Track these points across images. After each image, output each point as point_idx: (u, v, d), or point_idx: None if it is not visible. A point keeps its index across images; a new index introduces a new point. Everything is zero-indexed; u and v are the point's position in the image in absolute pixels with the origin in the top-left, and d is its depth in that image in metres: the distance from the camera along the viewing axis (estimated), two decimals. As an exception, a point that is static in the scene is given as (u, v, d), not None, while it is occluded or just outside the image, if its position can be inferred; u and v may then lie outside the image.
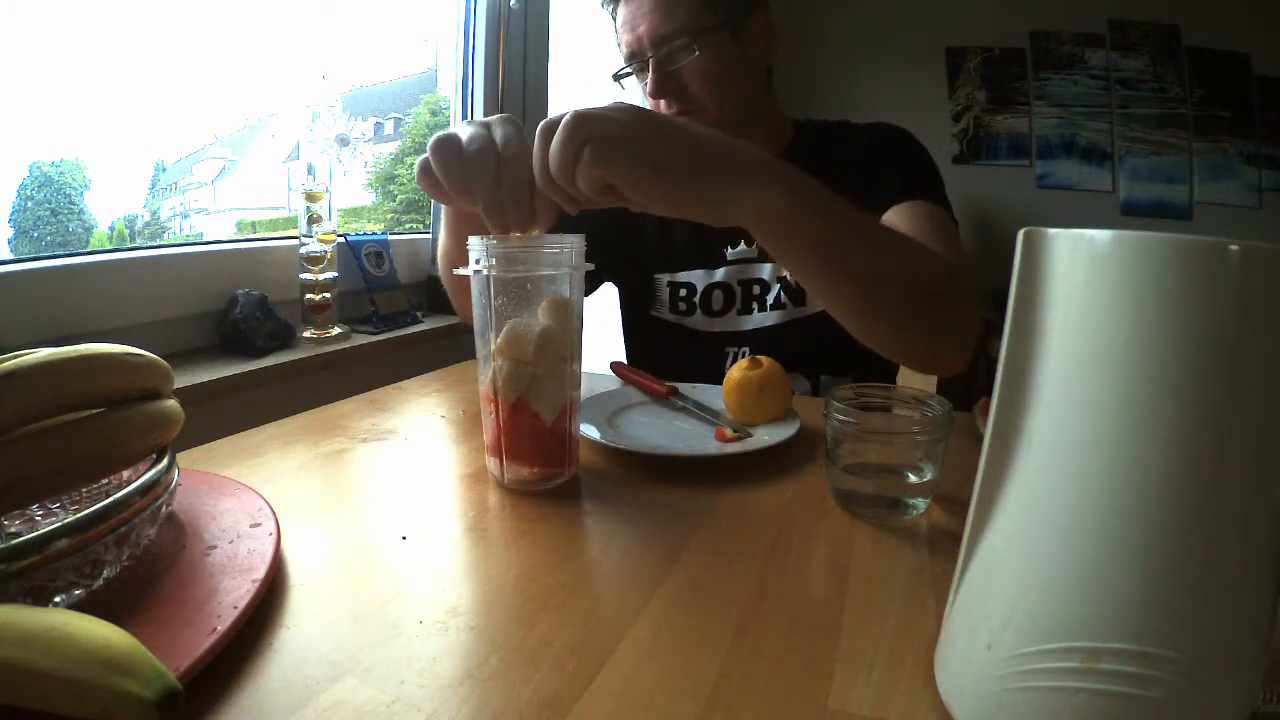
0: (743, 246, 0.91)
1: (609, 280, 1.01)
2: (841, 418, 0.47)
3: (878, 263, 0.53)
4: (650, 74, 0.80)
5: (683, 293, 0.93)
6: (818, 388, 0.90)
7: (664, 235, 0.94)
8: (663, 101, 0.82)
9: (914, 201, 0.79)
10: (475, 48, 1.34)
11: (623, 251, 0.95)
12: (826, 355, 0.88)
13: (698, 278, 0.92)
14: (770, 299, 0.89)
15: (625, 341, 1.05)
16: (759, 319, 0.90)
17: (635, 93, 0.87)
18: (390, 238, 1.15)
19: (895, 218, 0.78)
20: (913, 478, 0.47)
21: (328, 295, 0.94)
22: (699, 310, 0.92)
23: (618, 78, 0.87)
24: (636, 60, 0.82)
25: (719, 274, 0.91)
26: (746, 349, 0.90)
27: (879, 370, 0.89)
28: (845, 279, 0.53)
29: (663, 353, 0.95)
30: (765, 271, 0.90)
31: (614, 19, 0.86)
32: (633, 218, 0.95)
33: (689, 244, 0.93)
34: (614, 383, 0.78)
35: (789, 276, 0.88)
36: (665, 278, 0.94)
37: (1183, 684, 0.23)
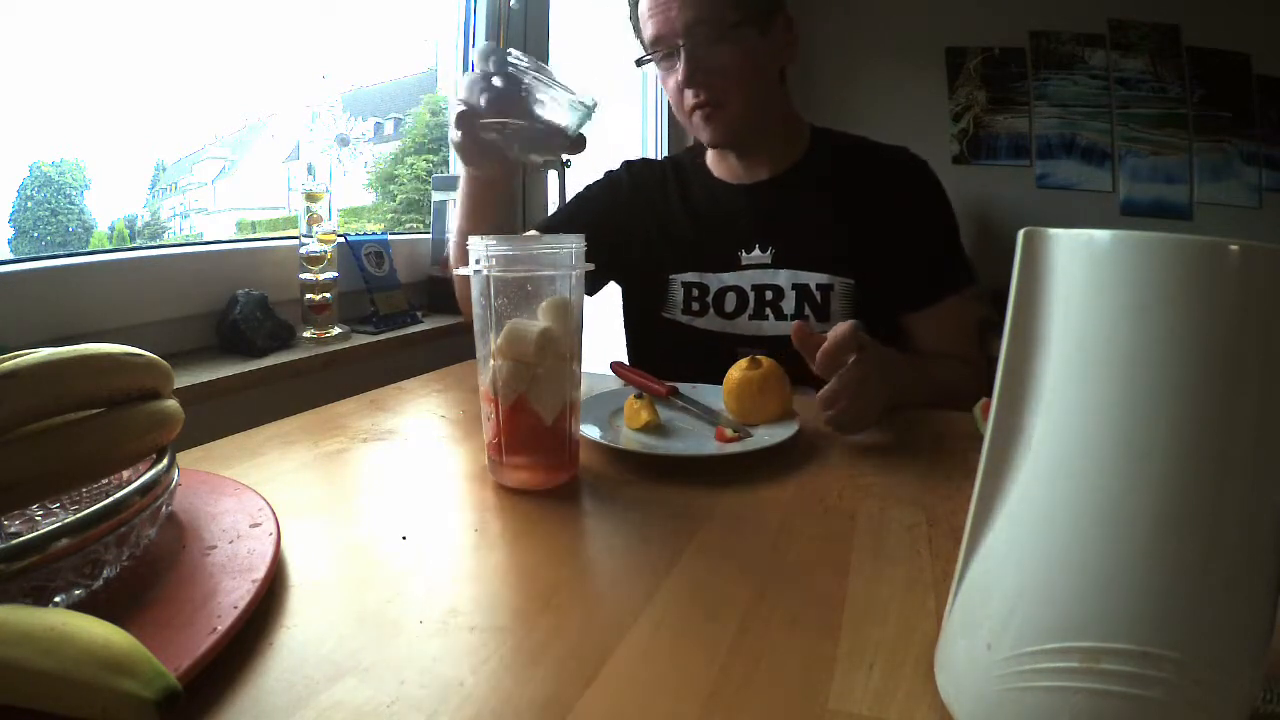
0: (757, 252, 0.89)
1: (614, 280, 1.00)
2: None
3: (934, 399, 0.74)
4: (682, 63, 0.80)
5: (695, 293, 0.91)
6: None
7: (677, 236, 0.93)
8: (689, 92, 0.82)
9: (944, 302, 0.87)
10: (475, 48, 1.34)
11: (630, 251, 0.94)
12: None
13: (710, 279, 0.91)
14: (787, 307, 0.87)
15: (629, 343, 1.03)
16: (775, 326, 0.88)
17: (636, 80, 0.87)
18: (390, 238, 1.15)
19: (931, 324, 0.88)
20: None
21: (328, 295, 0.94)
22: (712, 310, 0.90)
23: (641, 63, 0.87)
24: (663, 46, 0.82)
25: (730, 277, 0.90)
26: (759, 354, 0.89)
27: None
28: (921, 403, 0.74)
29: (672, 353, 0.93)
30: (781, 278, 0.88)
31: (633, 5, 0.86)
32: (640, 218, 0.95)
33: (703, 246, 0.91)
34: (614, 383, 0.78)
35: (812, 285, 0.86)
36: (679, 278, 0.92)
37: (1183, 684, 0.23)
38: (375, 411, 0.70)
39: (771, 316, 0.88)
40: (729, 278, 0.90)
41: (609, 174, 1.02)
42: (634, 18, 0.87)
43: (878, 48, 2.71)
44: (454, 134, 0.67)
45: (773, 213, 0.89)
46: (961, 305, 0.88)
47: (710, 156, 0.96)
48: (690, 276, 0.92)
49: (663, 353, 0.95)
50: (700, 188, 0.95)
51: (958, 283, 0.88)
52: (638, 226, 0.95)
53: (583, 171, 1.58)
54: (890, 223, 0.86)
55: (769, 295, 0.88)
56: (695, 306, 0.92)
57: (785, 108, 0.91)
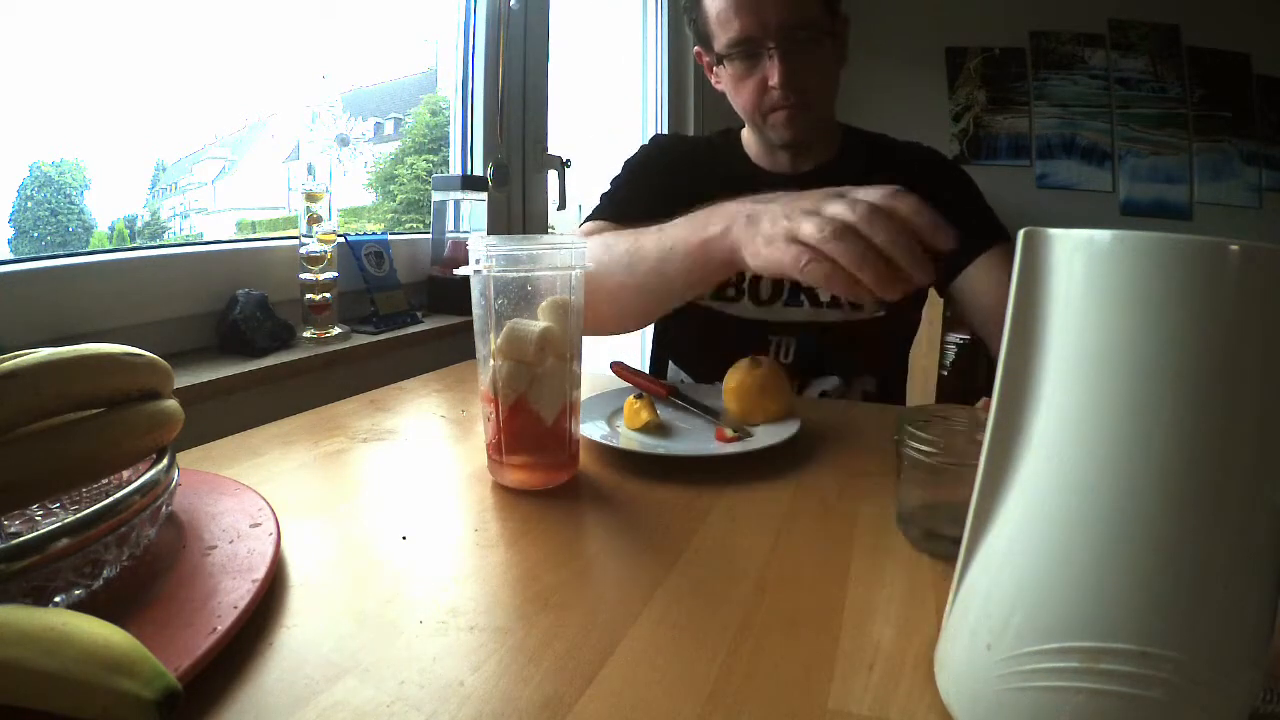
0: None
1: None
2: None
3: None
4: (777, 64, 0.81)
5: (732, 277, 0.91)
6: (849, 384, 0.91)
7: None
8: (778, 92, 0.83)
9: (995, 249, 0.86)
10: (475, 48, 1.34)
11: None
12: (865, 358, 0.90)
13: None
14: (822, 294, 0.89)
15: (657, 331, 1.04)
16: (808, 313, 0.89)
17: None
18: (390, 238, 1.14)
19: (987, 273, 0.85)
20: None
21: (328, 295, 0.94)
22: (746, 296, 0.91)
23: (722, 58, 0.86)
24: (749, 45, 0.82)
25: None
26: (792, 340, 0.90)
27: (902, 374, 0.99)
28: None
29: (705, 340, 0.93)
30: None
31: (695, 3, 0.86)
32: (682, 193, 0.93)
33: None
34: (614, 383, 0.78)
35: None
36: None
37: (1183, 684, 0.23)
38: (375, 411, 0.70)
39: (806, 303, 0.89)
40: None
41: (648, 145, 1.02)
42: (694, 15, 0.87)
43: (878, 48, 2.71)
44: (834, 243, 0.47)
45: None
46: (1008, 252, 0.88)
47: (752, 146, 0.97)
48: None
49: (693, 340, 0.96)
50: (743, 174, 0.96)
51: (1004, 234, 0.89)
52: (682, 201, 0.95)
53: (583, 170, 1.58)
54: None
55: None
56: (730, 292, 0.92)
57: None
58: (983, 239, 0.87)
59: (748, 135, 0.97)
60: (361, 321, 1.05)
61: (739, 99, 0.88)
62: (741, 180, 0.95)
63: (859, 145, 0.96)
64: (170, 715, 0.24)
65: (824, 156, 0.94)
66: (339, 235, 0.99)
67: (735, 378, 0.65)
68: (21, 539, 0.28)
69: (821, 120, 0.90)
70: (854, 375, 0.90)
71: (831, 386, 0.90)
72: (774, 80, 0.81)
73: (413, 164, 1.37)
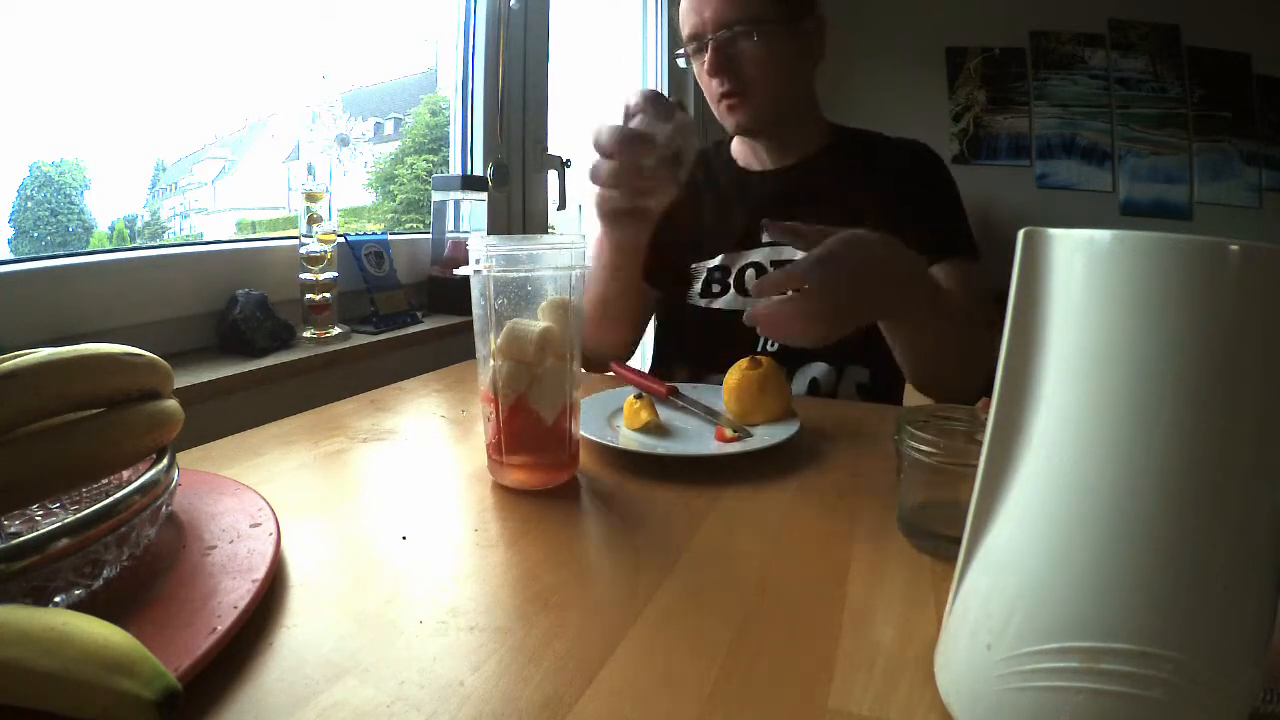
0: None
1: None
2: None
3: (947, 336, 0.76)
4: (709, 54, 0.87)
5: (718, 274, 0.95)
6: (839, 372, 0.91)
7: (704, 224, 0.97)
8: (715, 81, 0.88)
9: (950, 262, 0.88)
10: (475, 48, 1.34)
11: (663, 247, 0.97)
12: (855, 345, 0.90)
13: (732, 258, 0.95)
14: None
15: (657, 335, 1.06)
16: None
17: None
18: (390, 238, 1.14)
19: (944, 281, 0.86)
20: None
21: (328, 295, 0.94)
22: (733, 290, 0.94)
23: (677, 56, 0.94)
24: (697, 41, 0.89)
25: (754, 255, 0.94)
26: None
27: (898, 368, 0.97)
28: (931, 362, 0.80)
29: (698, 339, 0.96)
30: (799, 255, 0.91)
31: (675, 8, 0.95)
32: (673, 209, 0.98)
33: (728, 230, 0.95)
34: (614, 383, 0.78)
35: None
36: (704, 265, 0.96)
37: (1183, 684, 0.23)
38: (375, 411, 0.70)
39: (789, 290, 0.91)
40: (750, 254, 0.94)
41: None
42: (679, 17, 0.94)
43: (878, 48, 2.71)
44: (601, 199, 0.71)
45: (794, 196, 0.93)
46: (970, 270, 0.89)
47: (736, 147, 1.01)
48: (715, 261, 0.96)
49: (686, 340, 0.98)
50: (726, 178, 1.00)
51: (968, 250, 0.90)
52: (673, 217, 0.98)
53: (583, 170, 1.58)
54: (901, 205, 0.89)
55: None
56: (716, 289, 0.95)
57: (809, 103, 0.96)
58: (940, 250, 0.88)
59: (736, 141, 1.01)
60: (361, 321, 1.05)
61: (705, 94, 0.94)
62: (730, 184, 0.99)
63: (845, 142, 0.98)
64: (170, 715, 0.24)
65: (805, 151, 0.96)
66: (339, 235, 0.99)
67: (735, 378, 0.65)
68: (21, 539, 0.28)
69: (769, 110, 0.91)
70: (844, 363, 0.91)
71: (821, 373, 0.90)
72: (706, 68, 0.87)
73: (413, 164, 1.37)
